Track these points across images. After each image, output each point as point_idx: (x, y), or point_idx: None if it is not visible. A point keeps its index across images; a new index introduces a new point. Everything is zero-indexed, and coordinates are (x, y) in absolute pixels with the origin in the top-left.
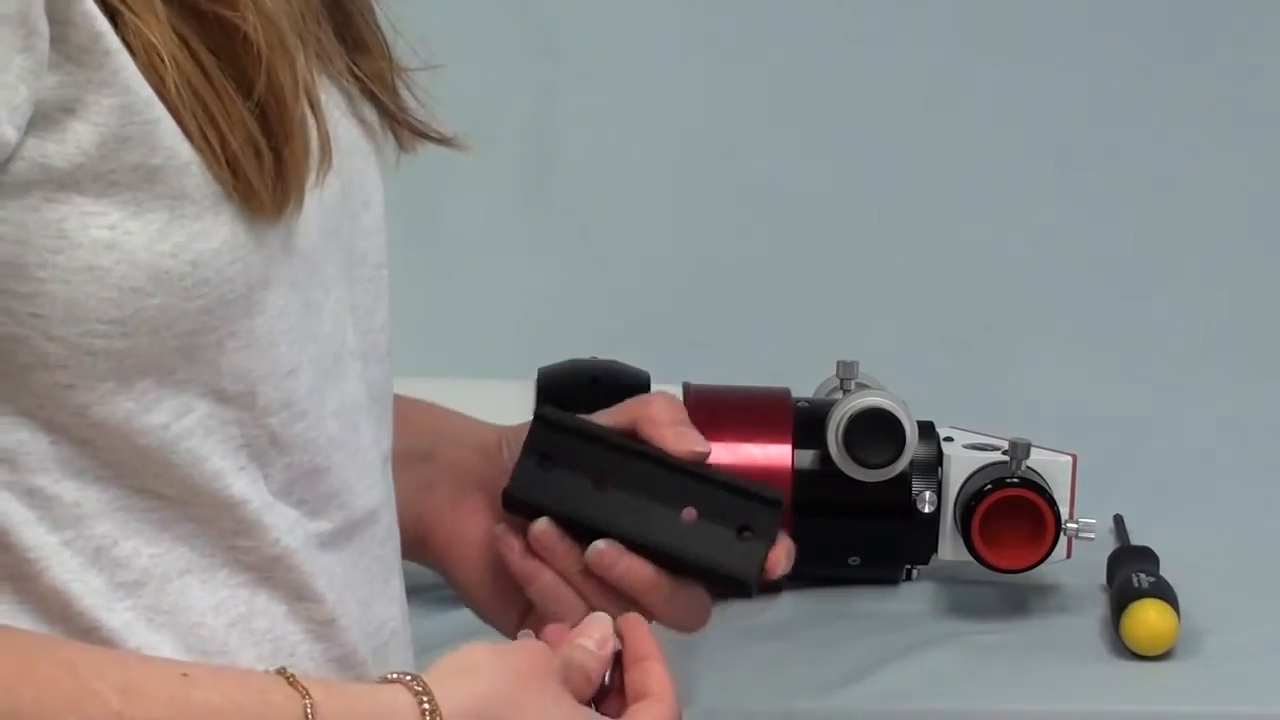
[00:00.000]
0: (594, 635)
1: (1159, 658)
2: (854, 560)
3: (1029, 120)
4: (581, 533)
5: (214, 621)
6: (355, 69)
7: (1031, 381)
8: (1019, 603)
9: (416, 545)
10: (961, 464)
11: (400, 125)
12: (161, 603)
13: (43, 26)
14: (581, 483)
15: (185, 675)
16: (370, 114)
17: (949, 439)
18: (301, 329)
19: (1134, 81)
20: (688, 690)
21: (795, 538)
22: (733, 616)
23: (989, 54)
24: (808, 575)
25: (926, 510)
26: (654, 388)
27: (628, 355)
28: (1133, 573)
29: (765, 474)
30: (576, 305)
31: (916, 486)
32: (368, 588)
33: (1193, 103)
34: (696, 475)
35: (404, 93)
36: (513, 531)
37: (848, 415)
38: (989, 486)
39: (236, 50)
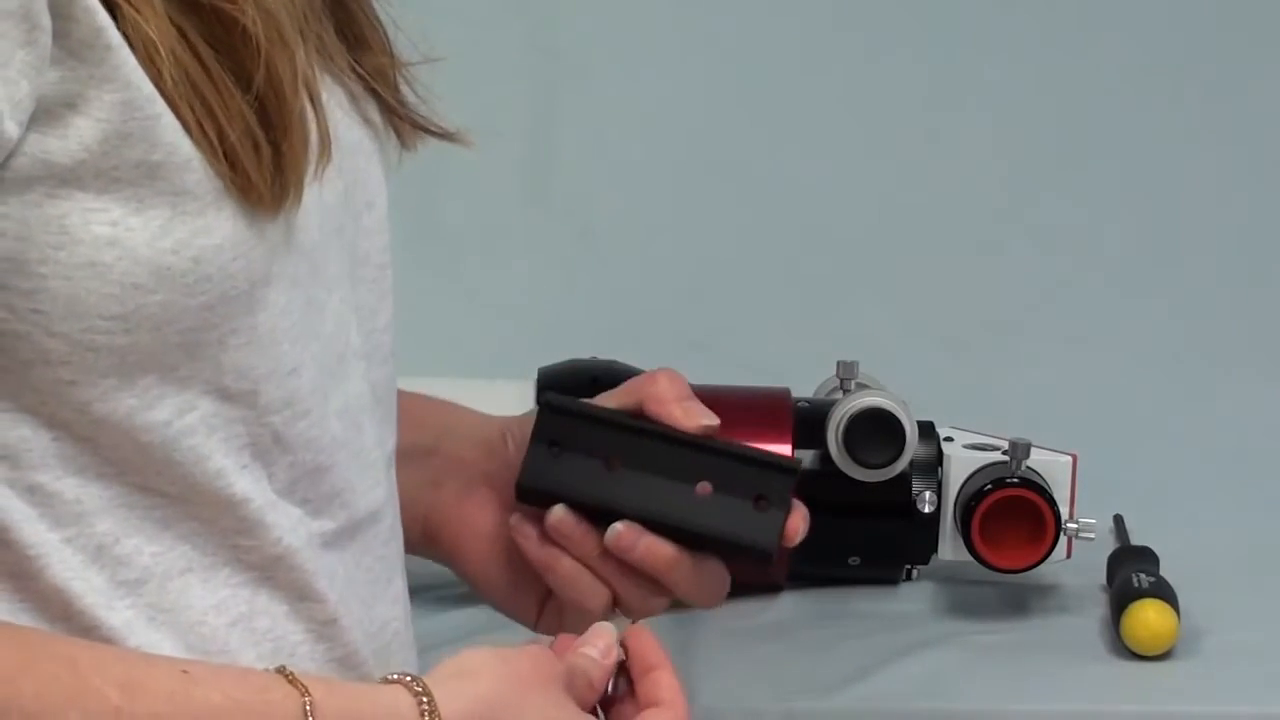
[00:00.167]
0: (598, 644)
1: (1159, 658)
2: (854, 560)
3: (1029, 120)
4: (598, 516)
5: (215, 621)
6: (357, 66)
7: (1031, 381)
8: (1019, 603)
9: (426, 542)
10: (961, 464)
11: (402, 121)
12: (162, 601)
13: (45, 21)
14: (593, 466)
15: (185, 672)
16: (373, 113)
17: (949, 439)
18: (304, 327)
19: (1134, 81)
20: (688, 690)
21: None
22: (733, 616)
23: (989, 54)
24: (808, 575)
25: (926, 510)
26: None
27: (628, 355)
28: (1133, 573)
29: None
30: (576, 305)
31: (916, 486)
32: (370, 588)
33: (1193, 102)
34: (708, 449)
35: (405, 89)
36: (528, 520)
37: (848, 415)
38: (989, 486)
39: (235, 43)
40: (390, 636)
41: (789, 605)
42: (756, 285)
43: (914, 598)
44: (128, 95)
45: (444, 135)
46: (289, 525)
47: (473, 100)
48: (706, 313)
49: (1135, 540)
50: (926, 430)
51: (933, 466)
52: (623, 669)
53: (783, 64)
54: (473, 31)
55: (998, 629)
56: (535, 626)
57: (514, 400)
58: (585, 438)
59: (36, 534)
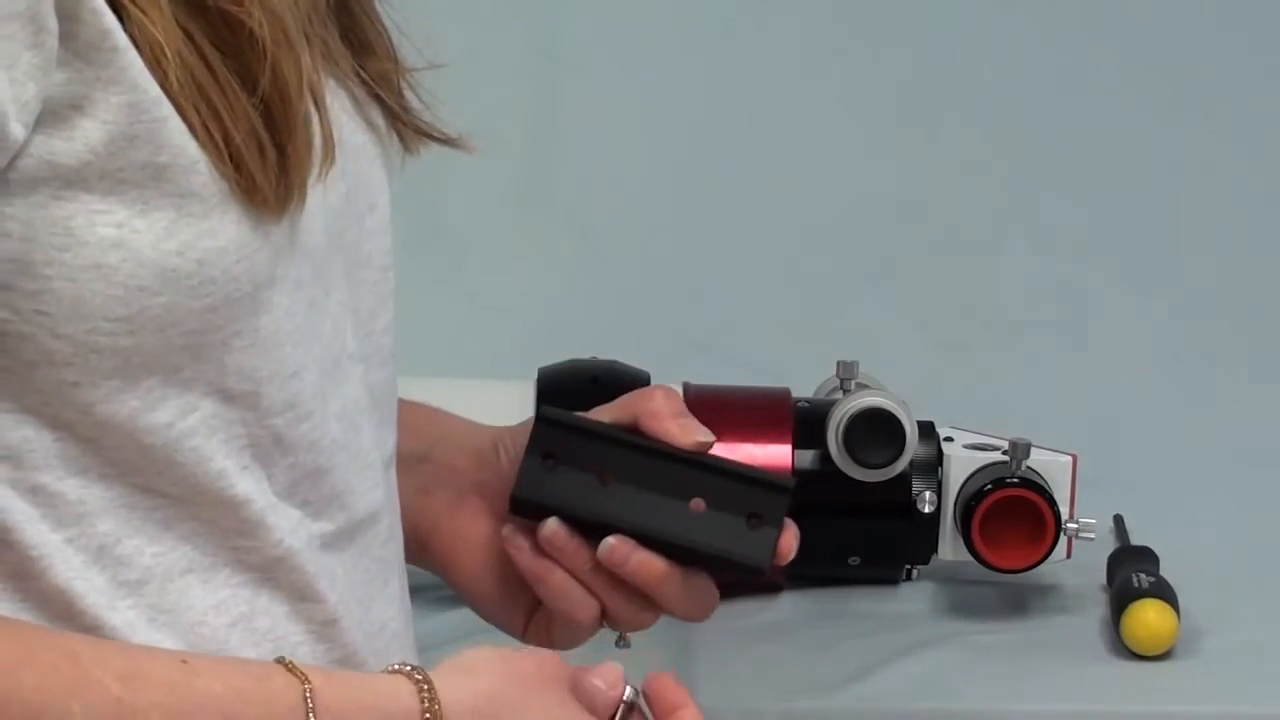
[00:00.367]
0: (606, 676)
1: (1159, 658)
2: (854, 560)
3: (1029, 120)
4: (590, 530)
5: (215, 621)
6: (361, 72)
7: (1031, 381)
8: (1019, 603)
9: (418, 550)
10: (961, 464)
11: (405, 126)
12: (163, 602)
13: (52, 23)
14: (587, 480)
15: (185, 663)
16: (377, 116)
17: (949, 439)
18: (307, 330)
19: (1134, 81)
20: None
21: None
22: (733, 616)
23: (989, 54)
24: (808, 575)
25: (926, 510)
26: None
27: (628, 355)
28: (1133, 573)
29: None
30: (576, 305)
31: (916, 486)
32: (368, 589)
33: (1193, 102)
34: (703, 465)
35: (408, 94)
36: (520, 532)
37: (848, 415)
38: (989, 486)
39: (241, 45)
40: (390, 637)
41: (789, 605)
42: (756, 285)
43: (914, 598)
44: (134, 97)
45: (446, 141)
46: (289, 526)
47: (474, 102)
48: (706, 313)
49: (1135, 540)
50: (926, 430)
51: (933, 466)
52: (634, 709)
53: (782, 64)
54: (473, 34)
55: (998, 629)
56: (523, 637)
57: (514, 400)
58: (580, 451)
59: (39, 534)
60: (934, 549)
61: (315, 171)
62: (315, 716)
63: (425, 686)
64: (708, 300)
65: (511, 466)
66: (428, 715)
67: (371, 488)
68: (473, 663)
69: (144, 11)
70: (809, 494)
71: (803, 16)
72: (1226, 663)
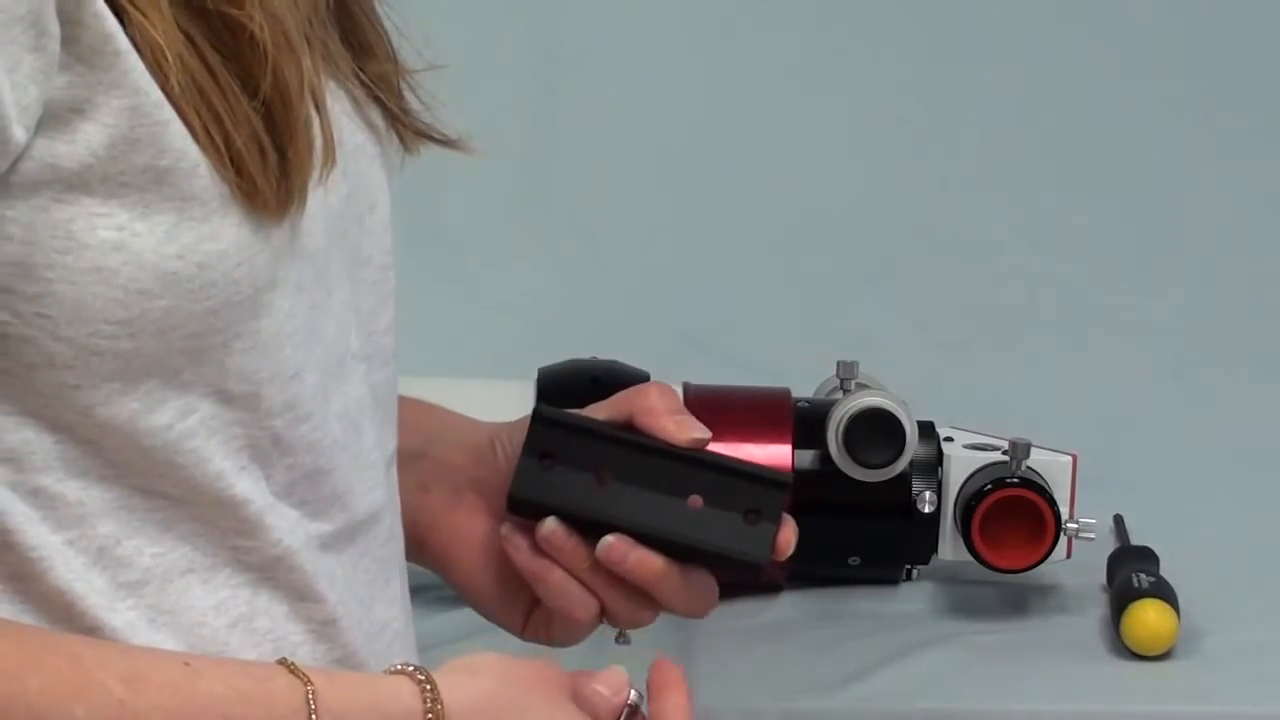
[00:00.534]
0: (610, 682)
1: (1159, 658)
2: (854, 560)
3: (1029, 120)
4: (589, 528)
5: (215, 622)
6: (361, 73)
7: (1031, 381)
8: (1019, 603)
9: (416, 548)
10: (961, 464)
11: (405, 127)
12: (163, 603)
13: (54, 27)
14: (585, 479)
15: (188, 665)
16: (376, 117)
17: (949, 439)
18: (307, 332)
19: (1134, 81)
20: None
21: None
22: (733, 616)
23: (989, 54)
24: (808, 575)
25: (926, 510)
26: None
27: (628, 355)
28: (1133, 573)
29: None
30: (576, 305)
31: (916, 486)
32: (369, 588)
33: (1193, 102)
34: (700, 462)
35: (408, 95)
36: (518, 531)
37: (848, 415)
38: (989, 486)
39: (242, 49)
40: (391, 637)
41: (789, 605)
42: (756, 285)
43: (914, 598)
44: (136, 101)
45: (446, 143)
46: (288, 526)
47: (473, 102)
48: (706, 313)
49: (1135, 540)
50: (926, 430)
51: (933, 466)
52: (637, 712)
53: (782, 64)
54: (473, 34)
55: (998, 629)
56: (521, 634)
57: (515, 400)
58: (577, 450)
59: (39, 536)
60: (934, 549)
61: (316, 174)
62: (317, 717)
63: (428, 687)
64: (708, 300)
65: (509, 463)
66: (430, 716)
67: (372, 488)
68: (475, 664)
69: (145, 15)
70: (809, 494)
71: (803, 17)
72: (1226, 663)
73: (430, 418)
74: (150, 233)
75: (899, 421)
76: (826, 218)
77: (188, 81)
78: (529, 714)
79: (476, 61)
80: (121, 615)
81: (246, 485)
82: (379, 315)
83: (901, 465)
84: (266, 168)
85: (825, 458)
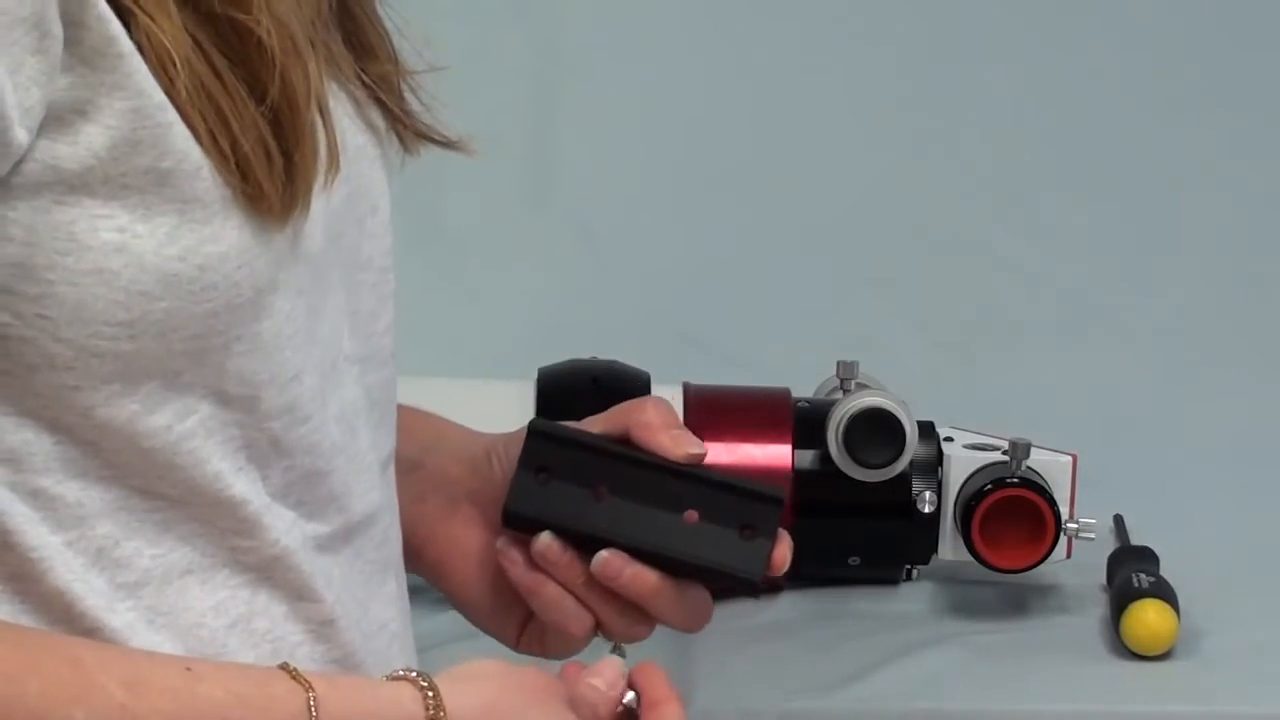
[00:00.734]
0: (605, 675)
1: (1159, 658)
2: (854, 560)
3: (1029, 120)
4: (584, 543)
5: (214, 622)
6: (362, 75)
7: (1031, 381)
8: (1019, 603)
9: (412, 557)
10: (961, 464)
11: (406, 128)
12: (162, 603)
13: (57, 29)
14: (580, 493)
15: (189, 669)
16: (377, 119)
17: (949, 439)
18: (306, 334)
19: (1134, 81)
20: (687, 690)
21: (795, 538)
22: (733, 616)
23: (989, 54)
24: (808, 575)
25: (926, 510)
26: (654, 388)
27: (628, 355)
28: (1133, 573)
29: (765, 474)
30: (576, 305)
31: (916, 486)
32: (365, 589)
33: (1194, 102)
34: (695, 477)
35: (409, 96)
36: (514, 545)
37: (848, 415)
38: (989, 486)
39: (249, 54)
40: (389, 638)
41: (789, 605)
42: (756, 285)
43: (914, 598)
44: (138, 103)
45: (447, 144)
46: (285, 527)
47: (474, 103)
48: (706, 312)
49: (1135, 540)
50: (926, 430)
51: (933, 466)
52: (632, 713)
53: (782, 65)
54: (473, 35)
55: (998, 629)
56: (516, 647)
57: (514, 400)
58: (573, 465)
59: (39, 537)
60: (934, 549)
61: (321, 179)
62: None
63: (430, 693)
64: (708, 300)
65: (505, 475)
66: None
67: (368, 489)
68: (477, 671)
69: (153, 19)
70: (809, 494)
71: (803, 16)
72: (1226, 663)
73: (426, 426)
74: (151, 234)
75: (899, 421)
76: (826, 218)
77: (195, 86)
78: None
79: (477, 62)
80: (121, 616)
81: (244, 486)
82: (378, 317)
83: (901, 465)
84: (273, 172)
85: (825, 458)
